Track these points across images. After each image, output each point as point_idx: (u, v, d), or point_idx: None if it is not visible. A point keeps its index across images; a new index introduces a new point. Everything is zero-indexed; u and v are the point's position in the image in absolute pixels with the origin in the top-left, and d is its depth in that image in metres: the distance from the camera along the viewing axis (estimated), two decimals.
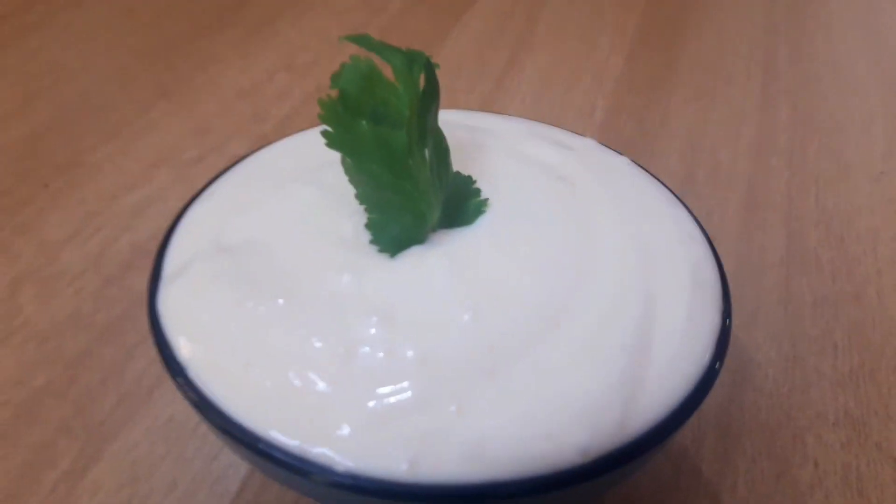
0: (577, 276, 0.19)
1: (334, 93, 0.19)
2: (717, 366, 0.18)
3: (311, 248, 0.20)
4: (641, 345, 0.17)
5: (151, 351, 0.28)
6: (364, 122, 0.19)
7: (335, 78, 0.19)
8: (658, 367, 0.17)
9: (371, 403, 0.16)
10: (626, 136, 0.42)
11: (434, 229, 0.21)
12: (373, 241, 0.20)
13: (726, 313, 0.19)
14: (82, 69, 0.48)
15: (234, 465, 0.25)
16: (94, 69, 0.48)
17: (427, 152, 0.20)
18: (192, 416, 0.26)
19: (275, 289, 0.18)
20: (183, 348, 0.18)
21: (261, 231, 0.20)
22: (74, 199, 0.37)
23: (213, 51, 0.50)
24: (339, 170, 0.22)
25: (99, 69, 0.48)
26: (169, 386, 0.27)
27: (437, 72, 0.20)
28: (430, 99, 0.20)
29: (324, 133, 0.19)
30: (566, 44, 0.52)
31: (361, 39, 0.20)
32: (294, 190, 0.22)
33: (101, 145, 0.40)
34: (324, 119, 0.19)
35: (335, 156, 0.23)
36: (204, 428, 0.26)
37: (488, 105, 0.45)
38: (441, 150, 0.21)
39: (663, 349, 0.17)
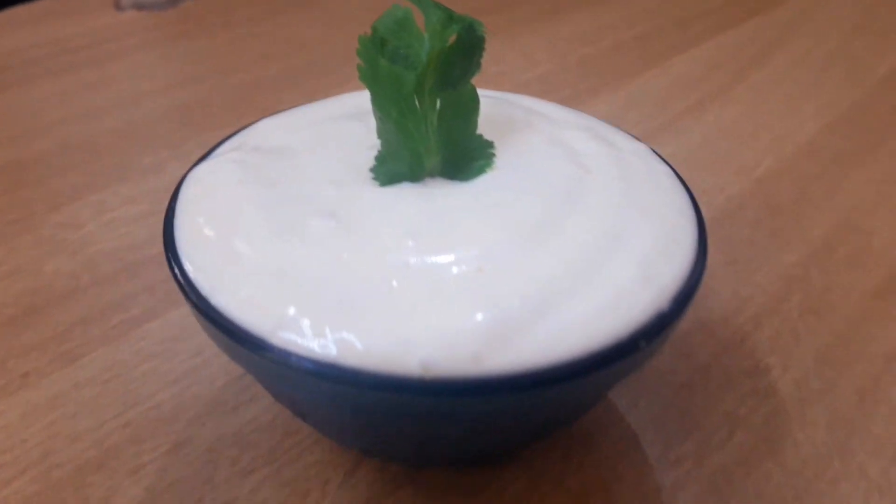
0: (529, 234, 0.19)
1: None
2: (599, 358, 0.17)
3: (321, 164, 0.22)
4: (539, 305, 0.17)
5: None
6: (384, 60, 0.21)
7: (378, 21, 0.22)
8: (547, 331, 0.17)
9: (287, 267, 0.18)
10: (780, 196, 0.39)
11: (433, 176, 0.22)
12: (371, 170, 0.22)
13: (663, 319, 0.18)
14: (313, 44, 0.56)
15: None
16: (323, 46, 0.56)
17: (439, 102, 0.21)
18: None
19: (273, 181, 0.21)
20: (181, 203, 0.21)
21: (294, 143, 0.23)
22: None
23: None
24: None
25: (327, 47, 0.55)
26: None
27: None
28: (458, 56, 0.22)
29: (358, 66, 0.22)
30: (764, 104, 0.49)
31: None
32: (344, 123, 0.25)
33: (295, 100, 0.47)
34: (359, 53, 0.22)
35: None
36: None
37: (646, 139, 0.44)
38: (465, 107, 0.22)
39: (563, 318, 0.17)
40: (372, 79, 0.21)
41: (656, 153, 0.25)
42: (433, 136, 0.21)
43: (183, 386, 0.27)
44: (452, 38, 0.21)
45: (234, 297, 0.18)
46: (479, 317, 0.17)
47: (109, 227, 0.35)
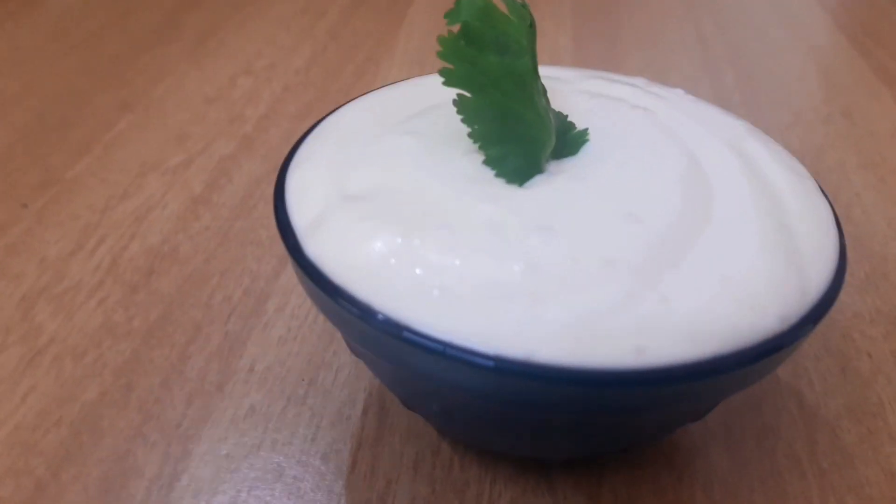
0: (700, 178, 0.20)
1: (455, 28, 0.19)
2: (842, 233, 0.19)
3: (442, 187, 0.19)
4: (786, 225, 0.19)
5: (208, 346, 0.27)
6: (490, 54, 0.19)
7: (452, 14, 0.19)
8: (806, 242, 0.18)
9: (576, 307, 0.16)
10: None
11: (547, 160, 0.21)
12: (498, 175, 0.20)
13: (826, 196, 0.21)
14: (26, 92, 0.44)
15: (338, 440, 0.24)
16: (38, 93, 0.45)
17: (539, 83, 0.20)
18: (276, 403, 0.25)
19: (429, 222, 0.18)
20: (359, 288, 0.17)
21: (381, 178, 0.20)
22: (64, 215, 0.34)
23: (162, 64, 0.48)
24: (428, 119, 0.23)
25: (43, 93, 0.45)
26: (238, 377, 0.26)
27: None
28: (534, 32, 0.21)
29: (443, 72, 0.19)
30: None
31: None
32: (392, 140, 0.22)
33: (74, 162, 0.38)
34: (444, 56, 0.19)
35: (415, 108, 0.23)
36: (292, 412, 0.25)
37: None
38: (543, 85, 0.21)
39: (802, 226, 0.19)
40: (475, 79, 0.19)
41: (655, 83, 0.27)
42: (550, 119, 0.20)
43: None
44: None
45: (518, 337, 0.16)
46: (773, 249, 0.18)
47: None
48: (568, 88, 0.25)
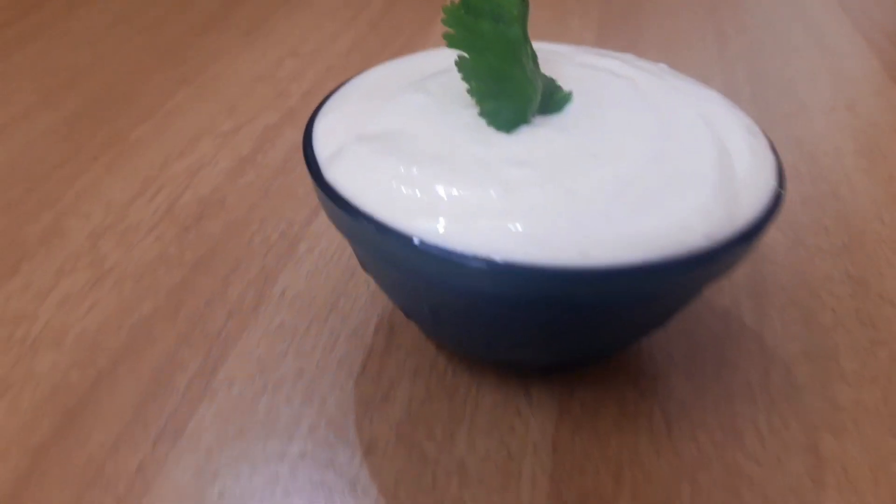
0: (664, 131, 0.23)
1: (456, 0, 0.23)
2: (781, 176, 0.23)
3: (443, 132, 0.23)
4: (727, 166, 0.22)
5: (247, 276, 0.31)
6: (486, 22, 0.23)
7: None
8: (744, 185, 0.22)
9: (537, 221, 0.20)
10: None
11: (533, 114, 0.25)
12: (490, 124, 0.24)
13: (776, 152, 0.24)
14: (96, 68, 0.50)
15: (352, 352, 0.28)
16: (108, 67, 0.50)
17: (529, 49, 0.24)
18: (301, 322, 0.29)
19: (428, 157, 0.22)
20: (366, 204, 0.21)
21: (394, 124, 0.24)
22: (128, 168, 0.39)
23: (217, 47, 0.53)
24: (438, 80, 0.27)
25: (112, 67, 0.50)
26: (271, 301, 0.30)
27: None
28: (526, 7, 0.24)
29: (446, 35, 0.23)
30: (543, 26, 0.57)
31: None
32: (407, 96, 0.26)
33: (138, 125, 0.43)
34: (447, 22, 0.23)
35: (427, 72, 0.28)
36: (315, 330, 0.29)
37: None
38: (533, 52, 0.25)
39: (743, 173, 0.22)
40: (473, 43, 0.23)
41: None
42: (535, 79, 0.24)
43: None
44: None
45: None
46: (709, 182, 0.21)
47: (67, 305, 0.30)
48: (563, 60, 0.28)
